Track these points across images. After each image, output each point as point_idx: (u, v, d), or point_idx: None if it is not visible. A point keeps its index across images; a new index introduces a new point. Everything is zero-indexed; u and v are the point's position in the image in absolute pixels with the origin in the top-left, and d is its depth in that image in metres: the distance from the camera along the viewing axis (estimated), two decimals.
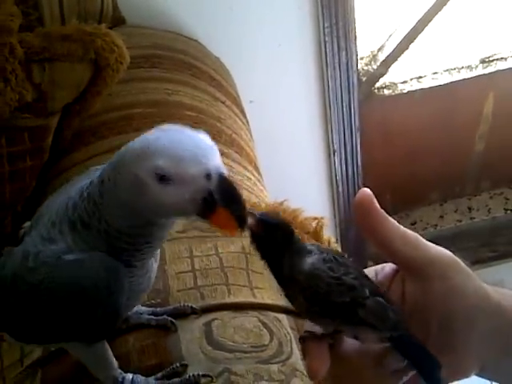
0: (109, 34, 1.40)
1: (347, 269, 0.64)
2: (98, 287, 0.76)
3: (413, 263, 0.64)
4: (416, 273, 0.64)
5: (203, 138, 0.72)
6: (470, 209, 2.76)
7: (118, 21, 1.80)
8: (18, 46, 1.34)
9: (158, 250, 0.87)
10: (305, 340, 0.66)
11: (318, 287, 0.63)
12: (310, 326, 0.67)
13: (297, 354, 0.94)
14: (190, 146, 0.70)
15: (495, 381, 0.71)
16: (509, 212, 2.74)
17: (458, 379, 0.65)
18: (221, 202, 0.69)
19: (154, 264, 0.86)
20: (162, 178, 0.69)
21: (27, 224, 0.86)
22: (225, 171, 0.71)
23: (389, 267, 0.69)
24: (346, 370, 0.65)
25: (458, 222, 2.73)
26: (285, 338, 0.96)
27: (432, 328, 0.63)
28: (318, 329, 0.66)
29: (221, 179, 0.70)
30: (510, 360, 0.66)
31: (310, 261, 0.65)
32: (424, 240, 0.65)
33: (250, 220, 0.67)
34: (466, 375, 0.65)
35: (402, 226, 0.65)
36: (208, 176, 0.69)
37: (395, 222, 0.65)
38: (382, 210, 0.65)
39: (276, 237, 0.66)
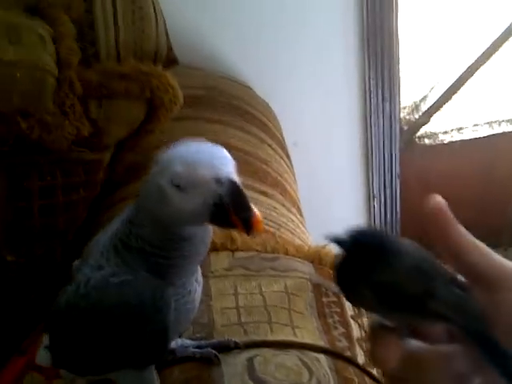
0: (164, 75, 1.46)
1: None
2: (144, 305, 0.79)
3: (486, 274, 0.62)
4: (488, 284, 0.62)
5: (219, 150, 0.76)
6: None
7: (171, 61, 1.85)
8: (77, 81, 1.38)
9: (199, 273, 0.89)
10: (374, 329, 0.61)
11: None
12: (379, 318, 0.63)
13: None
14: (204, 154, 0.75)
15: None
16: None
17: None
18: (230, 206, 0.72)
19: (198, 288, 0.88)
20: (178, 185, 0.73)
21: (77, 262, 0.89)
22: (236, 179, 0.74)
23: None
24: (410, 369, 0.61)
25: None
26: (323, 378, 0.97)
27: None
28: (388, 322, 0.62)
29: (231, 184, 0.73)
30: None
31: None
32: (494, 253, 0.64)
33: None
34: None
35: (473, 236, 0.63)
36: (218, 181, 0.72)
37: (467, 231, 0.63)
38: (455, 219, 0.63)
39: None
